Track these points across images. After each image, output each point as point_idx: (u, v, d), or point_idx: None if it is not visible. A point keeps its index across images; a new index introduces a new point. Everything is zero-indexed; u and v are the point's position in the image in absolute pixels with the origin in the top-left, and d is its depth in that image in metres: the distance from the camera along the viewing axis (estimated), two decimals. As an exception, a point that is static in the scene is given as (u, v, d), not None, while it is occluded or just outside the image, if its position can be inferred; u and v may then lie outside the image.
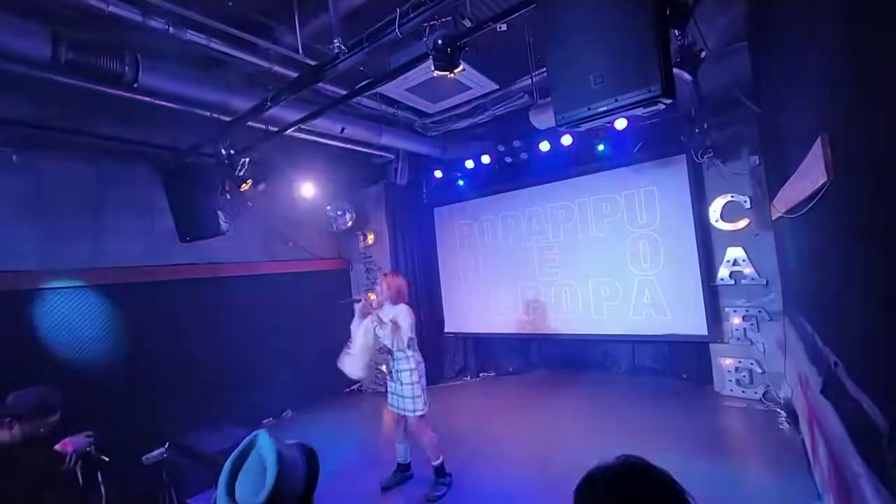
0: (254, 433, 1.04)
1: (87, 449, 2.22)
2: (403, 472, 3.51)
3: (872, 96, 1.13)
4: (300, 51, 3.20)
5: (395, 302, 3.42)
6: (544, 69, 2.78)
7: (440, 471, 3.34)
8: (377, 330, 3.29)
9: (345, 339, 3.52)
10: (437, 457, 3.33)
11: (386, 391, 3.52)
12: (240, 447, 1.02)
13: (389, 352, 3.35)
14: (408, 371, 3.30)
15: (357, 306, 3.46)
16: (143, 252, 4.41)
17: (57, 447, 2.14)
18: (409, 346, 3.31)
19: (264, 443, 1.01)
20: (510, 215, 6.11)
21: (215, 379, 4.66)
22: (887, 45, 1.01)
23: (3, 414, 2.01)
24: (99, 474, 2.33)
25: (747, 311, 4.40)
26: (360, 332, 3.35)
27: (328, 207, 5.97)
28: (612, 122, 2.57)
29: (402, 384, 3.30)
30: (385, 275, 3.59)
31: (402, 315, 3.32)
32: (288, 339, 5.55)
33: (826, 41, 1.50)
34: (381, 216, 6.32)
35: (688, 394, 4.80)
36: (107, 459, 2.30)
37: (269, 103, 3.21)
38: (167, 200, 4.41)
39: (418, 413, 3.26)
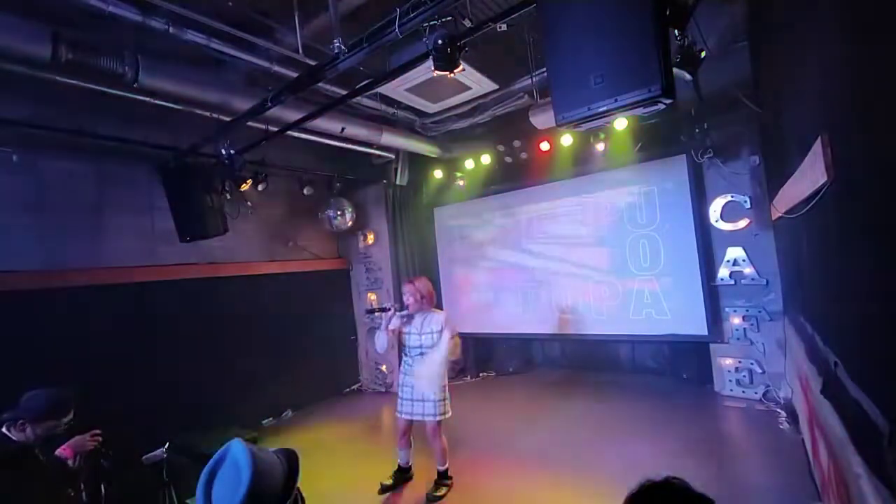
0: (228, 442, 1.05)
1: (91, 449, 2.24)
2: (403, 475, 3.51)
3: (872, 96, 1.13)
4: (300, 51, 3.20)
5: (430, 308, 3.29)
6: (544, 69, 2.78)
7: (444, 474, 3.34)
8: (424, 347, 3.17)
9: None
10: (445, 462, 3.34)
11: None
12: (214, 457, 1.03)
13: (420, 353, 3.25)
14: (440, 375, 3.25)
15: (386, 316, 3.28)
16: (144, 252, 4.41)
17: (57, 452, 2.16)
18: None
19: (237, 449, 1.02)
20: (510, 215, 6.11)
21: (215, 379, 4.66)
22: (887, 45, 1.01)
23: (15, 416, 2.05)
24: (100, 475, 2.33)
25: (747, 311, 4.40)
26: (446, 350, 3.12)
27: (328, 208, 5.97)
28: (612, 122, 2.57)
29: (434, 389, 3.20)
30: (411, 281, 3.35)
31: (448, 322, 3.22)
32: (288, 340, 5.55)
33: (826, 41, 1.50)
34: (381, 216, 6.32)
35: (688, 394, 4.80)
36: (112, 457, 2.32)
37: (269, 103, 3.21)
38: (167, 200, 4.40)
39: (446, 416, 3.24)
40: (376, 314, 3.42)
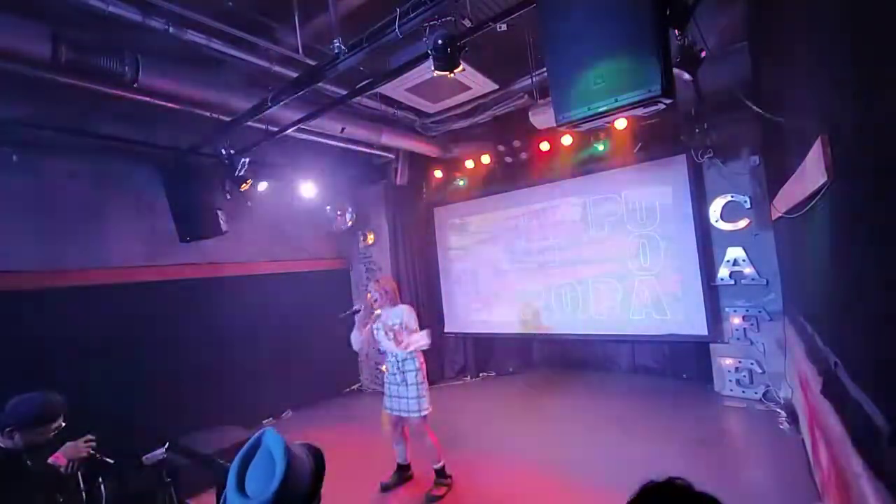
0: (261, 431, 1.05)
1: (86, 455, 2.16)
2: (403, 473, 3.52)
3: (872, 96, 1.13)
4: (300, 51, 3.20)
5: (394, 303, 3.43)
6: (544, 69, 2.78)
7: (441, 472, 3.34)
8: (389, 341, 3.29)
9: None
10: (439, 459, 3.33)
11: (384, 392, 3.50)
12: (248, 444, 1.04)
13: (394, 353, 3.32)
14: (413, 371, 3.27)
15: (357, 317, 3.42)
16: (143, 252, 4.41)
17: (50, 460, 2.09)
18: None
19: (272, 439, 1.02)
20: (510, 215, 6.10)
21: (215, 379, 4.67)
22: (887, 45, 1.01)
23: (2, 423, 1.97)
24: (100, 476, 2.32)
25: (747, 311, 4.40)
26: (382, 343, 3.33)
27: (328, 207, 5.96)
28: (612, 122, 2.57)
29: (407, 385, 3.26)
30: (377, 280, 3.57)
31: (408, 315, 3.33)
32: (288, 339, 5.55)
33: (826, 41, 1.50)
34: (381, 216, 6.32)
35: (688, 394, 4.80)
36: (111, 461, 2.27)
37: (269, 103, 3.21)
38: (167, 200, 4.40)
39: (423, 413, 3.24)
40: (348, 314, 3.53)
